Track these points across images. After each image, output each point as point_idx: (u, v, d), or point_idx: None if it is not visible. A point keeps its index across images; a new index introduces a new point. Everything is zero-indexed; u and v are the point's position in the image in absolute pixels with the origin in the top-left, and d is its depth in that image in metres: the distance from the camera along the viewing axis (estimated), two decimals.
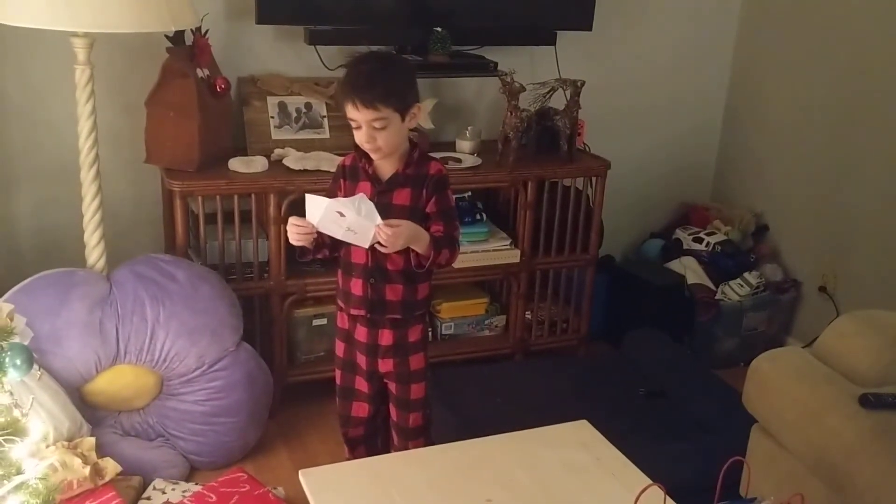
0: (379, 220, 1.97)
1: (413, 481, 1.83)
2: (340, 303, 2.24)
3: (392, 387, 2.26)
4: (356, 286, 2.16)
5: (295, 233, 2.04)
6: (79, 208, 2.62)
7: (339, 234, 2.02)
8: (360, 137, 2.03)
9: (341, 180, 2.16)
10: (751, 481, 1.88)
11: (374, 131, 2.00)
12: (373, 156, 2.07)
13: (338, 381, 2.32)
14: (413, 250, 2.06)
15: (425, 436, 2.31)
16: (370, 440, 2.36)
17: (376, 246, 2.01)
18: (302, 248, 2.11)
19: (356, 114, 1.99)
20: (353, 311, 2.20)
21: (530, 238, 3.14)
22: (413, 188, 2.08)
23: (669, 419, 2.75)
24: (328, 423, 2.88)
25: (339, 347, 2.28)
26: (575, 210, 3.20)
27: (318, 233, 2.05)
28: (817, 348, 2.28)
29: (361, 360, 2.24)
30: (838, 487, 1.99)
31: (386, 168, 2.10)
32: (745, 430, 2.35)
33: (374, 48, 2.76)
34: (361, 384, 2.27)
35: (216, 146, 2.79)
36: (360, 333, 2.21)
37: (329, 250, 2.15)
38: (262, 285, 2.83)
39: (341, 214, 1.97)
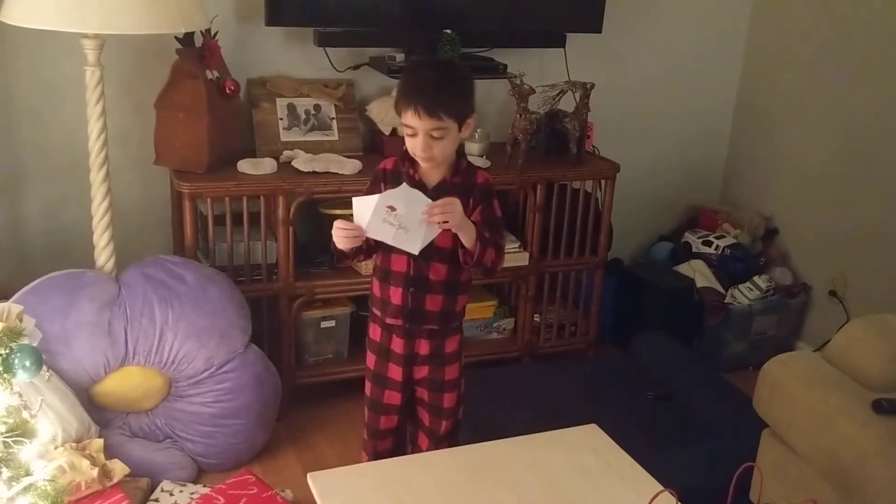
0: (429, 201, 1.93)
1: (422, 485, 1.82)
2: (376, 311, 2.18)
3: (425, 394, 2.22)
4: (395, 295, 2.11)
5: (342, 236, 1.98)
6: (88, 209, 2.62)
7: (389, 237, 1.96)
8: (413, 145, 1.98)
9: (382, 184, 2.09)
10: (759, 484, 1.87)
11: (431, 140, 1.95)
12: (424, 164, 2.02)
13: (368, 392, 2.26)
14: (461, 245, 2.02)
15: (455, 440, 2.27)
16: (395, 454, 2.29)
17: (440, 225, 1.94)
18: (341, 252, 2.05)
19: (416, 121, 1.94)
20: (390, 321, 2.14)
21: (539, 241, 3.13)
22: (460, 197, 2.01)
23: (678, 423, 2.74)
24: (336, 425, 2.89)
25: (371, 359, 2.23)
26: (584, 213, 3.20)
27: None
28: (828, 352, 2.27)
29: (395, 372, 2.19)
30: (850, 493, 1.97)
31: (432, 175, 2.05)
32: (755, 434, 2.34)
33: (386, 50, 2.76)
34: (392, 398, 2.22)
35: (225, 148, 2.80)
36: (397, 345, 2.16)
37: (365, 255, 2.11)
38: (270, 287, 2.82)
39: (391, 209, 1.93)
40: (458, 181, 2.05)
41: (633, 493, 1.79)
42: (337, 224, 1.99)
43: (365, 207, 1.95)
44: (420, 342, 2.15)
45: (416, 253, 1.98)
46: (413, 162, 2.05)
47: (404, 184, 1.98)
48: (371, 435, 2.29)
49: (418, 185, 2.04)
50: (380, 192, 2.03)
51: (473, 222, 2.03)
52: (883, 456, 1.91)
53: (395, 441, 2.30)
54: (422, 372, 2.19)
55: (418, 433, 2.29)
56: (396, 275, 2.10)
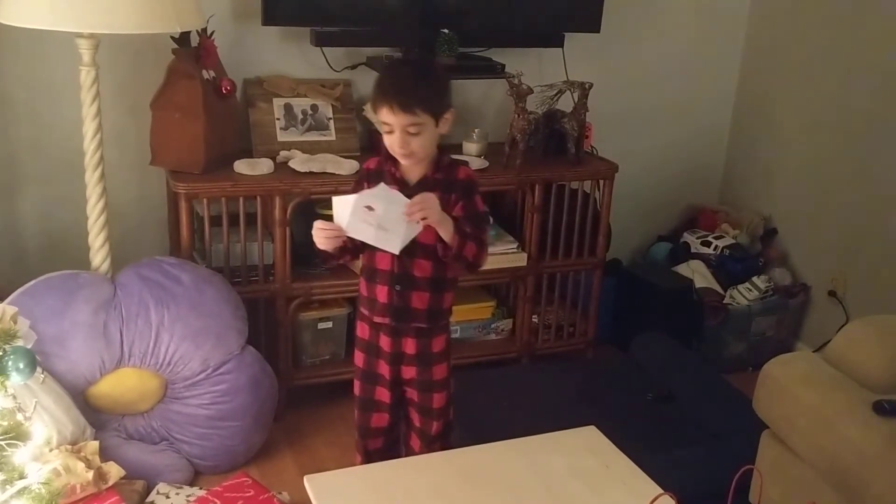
0: (406, 200, 1.94)
1: (419, 488, 1.81)
2: (364, 310, 2.18)
3: (414, 395, 2.22)
4: (381, 293, 2.11)
5: (322, 236, 1.99)
6: (84, 210, 2.61)
7: (370, 237, 1.97)
8: (391, 142, 1.99)
9: (365, 184, 2.09)
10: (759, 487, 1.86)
11: (408, 136, 1.96)
12: (403, 161, 2.03)
13: (357, 391, 2.26)
14: (440, 239, 2.02)
15: (446, 441, 2.27)
16: (388, 453, 2.30)
17: (420, 222, 1.95)
18: (326, 253, 2.06)
19: (392, 118, 1.95)
20: (377, 319, 2.15)
21: (537, 241, 3.12)
22: (442, 193, 2.02)
23: (678, 424, 2.73)
24: (333, 426, 2.87)
25: (359, 358, 2.23)
26: (582, 213, 3.18)
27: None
28: (829, 353, 2.26)
29: (384, 369, 2.19)
30: (851, 495, 1.96)
31: (414, 172, 2.06)
32: (755, 435, 2.33)
33: (383, 49, 2.75)
34: (382, 394, 2.23)
35: (222, 148, 2.78)
36: (384, 343, 2.16)
37: (351, 255, 2.11)
38: (267, 288, 2.81)
39: (369, 209, 1.94)
40: (440, 177, 2.06)
41: (632, 495, 1.78)
42: (317, 224, 2.00)
43: (343, 208, 1.96)
44: (406, 341, 2.15)
45: (397, 252, 1.99)
46: (395, 160, 2.05)
47: (382, 183, 1.99)
48: (362, 434, 2.29)
49: (400, 182, 2.05)
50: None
51: (455, 217, 2.03)
52: (884, 458, 1.89)
53: (386, 441, 2.30)
54: (409, 372, 2.19)
55: (410, 435, 2.29)
56: (382, 273, 2.10)
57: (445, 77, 2.09)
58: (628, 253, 3.77)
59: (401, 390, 2.23)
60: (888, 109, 3.15)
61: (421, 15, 3.08)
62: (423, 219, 1.94)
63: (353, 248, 2.08)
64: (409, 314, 2.12)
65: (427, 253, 2.06)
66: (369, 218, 1.94)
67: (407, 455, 2.31)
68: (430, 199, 1.95)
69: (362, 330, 2.21)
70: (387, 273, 2.10)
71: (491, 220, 3.12)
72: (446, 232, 1.99)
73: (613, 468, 1.89)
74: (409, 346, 2.16)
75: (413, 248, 2.03)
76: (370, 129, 3.12)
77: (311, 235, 2.04)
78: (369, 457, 2.29)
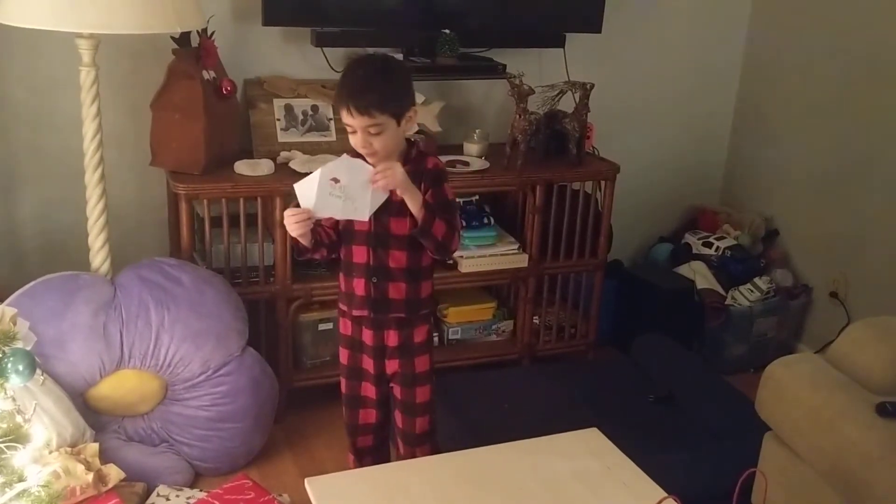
0: (370, 168, 1.98)
1: (419, 490, 1.81)
2: (343, 306, 2.21)
3: (397, 390, 2.24)
4: (358, 286, 2.14)
5: (293, 222, 2.00)
6: (83, 211, 2.60)
7: (338, 210, 1.99)
8: (355, 142, 2.02)
9: None
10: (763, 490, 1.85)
11: (369, 136, 1.98)
12: (369, 160, 2.05)
13: (343, 389, 2.29)
14: (411, 215, 2.05)
15: (431, 442, 2.29)
16: (378, 451, 2.33)
17: (382, 185, 1.97)
18: (300, 246, 2.08)
19: (351, 119, 1.98)
20: (356, 313, 2.17)
21: (538, 242, 3.11)
22: (413, 183, 2.04)
23: (679, 426, 2.72)
24: (334, 428, 2.86)
25: (344, 355, 2.26)
26: (583, 214, 3.18)
27: (315, 229, 2.03)
28: (831, 355, 2.25)
29: (368, 363, 2.21)
30: (854, 497, 1.96)
31: None
32: (757, 437, 2.33)
33: (371, 51, 2.76)
34: (369, 390, 2.25)
35: (222, 149, 2.77)
36: (367, 336, 2.19)
37: (327, 250, 2.12)
38: (267, 289, 2.80)
39: (335, 182, 1.96)
40: (410, 169, 2.06)
41: (634, 498, 1.77)
42: (286, 212, 2.02)
43: (308, 188, 1.98)
44: (389, 333, 2.17)
45: (366, 219, 2.02)
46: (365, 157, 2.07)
47: (344, 154, 2.03)
48: (350, 431, 2.31)
49: None
50: None
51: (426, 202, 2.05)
52: (887, 460, 1.89)
53: (376, 438, 2.32)
54: (393, 366, 2.21)
55: (398, 441, 2.30)
56: (358, 266, 2.13)
57: (404, 75, 2.10)
58: (629, 254, 3.77)
59: (388, 387, 2.25)
60: (890, 110, 3.15)
61: (422, 15, 3.08)
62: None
63: (328, 243, 2.10)
64: (386, 305, 2.14)
65: (401, 244, 2.09)
66: (335, 191, 1.97)
67: (397, 457, 2.32)
68: (395, 166, 1.99)
69: (345, 326, 2.24)
70: (363, 266, 2.12)
71: (492, 220, 3.12)
72: (413, 201, 2.01)
73: (615, 470, 1.89)
74: (392, 338, 2.18)
75: (387, 240, 2.08)
76: None
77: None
78: (360, 455, 2.32)
